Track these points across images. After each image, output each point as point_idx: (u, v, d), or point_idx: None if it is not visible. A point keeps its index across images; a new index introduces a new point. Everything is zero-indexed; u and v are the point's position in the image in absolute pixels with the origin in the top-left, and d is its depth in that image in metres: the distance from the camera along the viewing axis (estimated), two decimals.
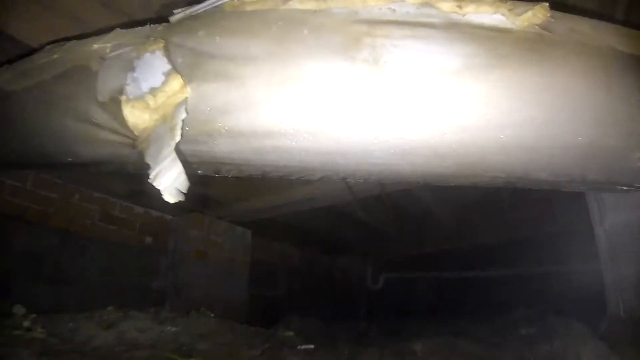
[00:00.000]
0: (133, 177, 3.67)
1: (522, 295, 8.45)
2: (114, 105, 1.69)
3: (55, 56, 1.89)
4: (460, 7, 1.56)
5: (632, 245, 2.54)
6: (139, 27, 1.84)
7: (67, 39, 1.97)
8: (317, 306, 5.97)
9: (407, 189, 4.15)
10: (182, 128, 1.55)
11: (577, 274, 6.91)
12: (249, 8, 1.64)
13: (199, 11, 1.71)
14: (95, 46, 1.81)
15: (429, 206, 4.97)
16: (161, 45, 1.68)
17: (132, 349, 2.55)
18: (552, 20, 1.60)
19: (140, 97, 1.65)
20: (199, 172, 1.99)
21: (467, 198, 5.76)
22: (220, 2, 1.68)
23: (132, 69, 1.68)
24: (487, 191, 5.48)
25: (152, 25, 1.82)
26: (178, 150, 1.54)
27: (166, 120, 1.60)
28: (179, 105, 1.58)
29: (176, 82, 1.61)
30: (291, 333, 3.51)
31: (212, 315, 3.48)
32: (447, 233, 6.58)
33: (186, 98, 1.59)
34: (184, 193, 1.52)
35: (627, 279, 2.50)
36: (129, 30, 1.83)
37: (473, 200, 5.88)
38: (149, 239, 4.25)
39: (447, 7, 1.56)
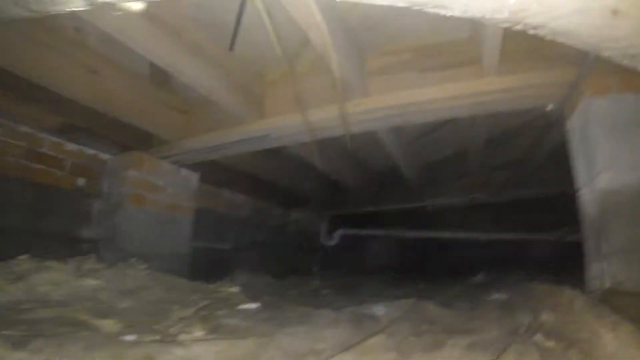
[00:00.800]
0: (66, 108, 3.21)
1: (483, 260, 8.42)
2: None
3: None
4: None
5: (629, 210, 2.25)
6: None
7: None
8: (269, 261, 5.60)
9: (372, 135, 3.76)
10: None
11: (544, 241, 6.86)
12: None
13: None
14: None
15: (393, 160, 4.60)
16: None
17: (38, 307, 2.09)
18: None
19: None
20: None
21: (434, 156, 5.45)
22: None
23: None
24: (456, 150, 5.18)
25: None
26: None
27: None
28: None
29: None
30: (236, 289, 3.09)
31: (145, 267, 3.02)
32: (410, 191, 6.31)
33: None
34: None
35: (617, 248, 2.20)
36: None
37: (439, 159, 5.57)
38: (81, 181, 3.68)
39: None
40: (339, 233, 7.10)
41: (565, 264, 6.49)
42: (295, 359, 1.44)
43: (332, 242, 7.12)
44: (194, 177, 4.28)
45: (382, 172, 6.16)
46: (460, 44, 2.88)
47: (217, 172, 4.63)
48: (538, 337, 1.62)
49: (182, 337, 1.68)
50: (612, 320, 1.42)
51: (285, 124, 3.20)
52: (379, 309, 2.23)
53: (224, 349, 1.45)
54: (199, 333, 1.78)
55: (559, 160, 5.33)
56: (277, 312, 2.26)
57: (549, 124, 3.28)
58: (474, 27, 2.63)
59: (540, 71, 2.70)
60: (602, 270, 2.26)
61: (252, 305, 2.38)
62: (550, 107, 2.92)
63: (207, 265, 4.51)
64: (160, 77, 3.42)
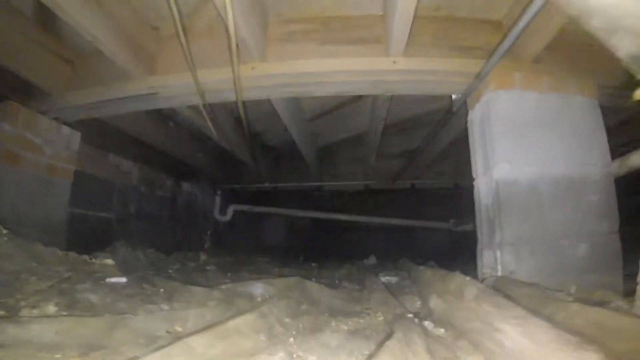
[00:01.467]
0: None
1: (377, 245, 8.71)
2: None
3: None
4: None
5: (521, 202, 2.36)
6: None
7: None
8: (156, 234, 5.32)
9: (270, 109, 3.67)
10: None
11: (435, 229, 7.19)
12: None
13: None
14: None
15: (291, 137, 4.54)
16: None
17: None
18: None
19: None
20: None
21: (333, 137, 5.46)
22: None
23: None
24: (356, 134, 5.24)
25: None
26: None
27: None
28: None
29: None
30: (111, 262, 2.88)
31: (6, 232, 2.70)
32: (307, 172, 6.29)
33: None
34: None
35: (509, 238, 2.31)
36: None
37: (338, 141, 5.60)
38: None
39: None
40: (232, 208, 6.94)
41: (455, 253, 6.95)
42: (145, 340, 1.31)
43: (226, 218, 6.95)
44: (75, 137, 3.89)
45: (280, 149, 6.09)
46: (372, 20, 2.83)
47: (102, 134, 4.27)
48: (427, 324, 1.60)
49: (25, 312, 1.48)
50: (516, 313, 1.34)
51: (175, 82, 2.96)
52: (257, 288, 2.12)
53: (67, 328, 1.27)
54: (51, 308, 1.59)
55: (454, 154, 5.67)
56: (146, 287, 2.09)
57: (449, 116, 3.35)
58: (388, 3, 2.58)
59: (447, 59, 2.72)
60: (494, 259, 2.34)
61: (121, 280, 2.19)
62: (454, 96, 2.96)
63: (87, 234, 4.15)
64: (45, 19, 3.07)
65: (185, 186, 6.14)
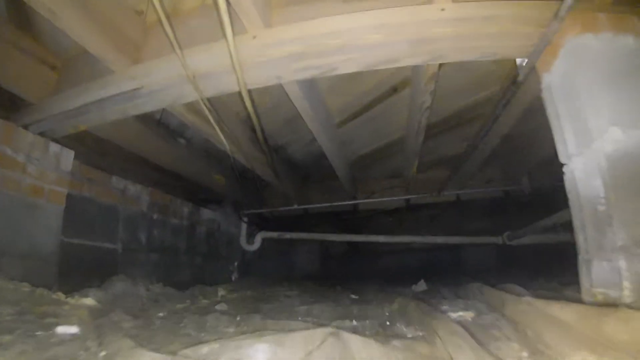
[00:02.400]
0: None
1: (421, 266, 7.93)
2: None
3: None
4: None
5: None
6: None
7: None
8: (172, 266, 4.70)
9: (289, 109, 3.04)
10: None
11: (482, 245, 6.34)
12: None
13: None
14: None
15: (318, 149, 3.89)
16: None
17: None
18: None
19: None
20: None
21: (365, 146, 4.78)
22: None
23: None
24: (391, 140, 4.56)
25: None
26: None
27: None
28: None
29: None
30: (90, 302, 2.26)
31: None
32: (339, 189, 5.63)
33: None
34: None
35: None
36: None
37: (371, 151, 4.91)
38: None
39: None
40: (261, 236, 6.29)
41: (504, 271, 6.10)
42: None
43: (254, 247, 6.29)
44: (67, 156, 3.35)
45: (307, 166, 5.44)
46: None
47: (103, 154, 3.73)
48: None
49: None
50: None
51: (160, 68, 2.36)
52: (257, 353, 1.29)
53: None
54: None
55: (505, 155, 4.91)
56: (90, 345, 1.43)
57: (510, 94, 2.62)
58: None
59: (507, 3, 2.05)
60: (614, 272, 1.61)
61: (70, 329, 1.55)
62: (519, 61, 2.24)
63: (85, 267, 3.56)
64: (21, 17, 2.60)
65: (206, 213, 5.54)
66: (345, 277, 7.79)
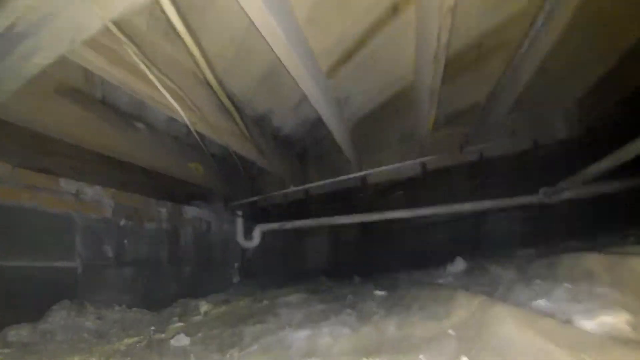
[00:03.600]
0: None
1: (440, 243, 7.15)
2: None
3: None
4: None
5: None
6: None
7: None
8: (152, 281, 3.89)
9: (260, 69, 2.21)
10: None
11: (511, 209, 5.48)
12: None
13: None
14: None
15: (307, 114, 3.06)
16: None
17: None
18: None
19: None
20: None
21: (367, 104, 3.92)
22: None
23: None
24: (403, 86, 3.68)
25: None
26: None
27: None
28: None
29: None
30: None
31: None
32: (342, 164, 4.82)
33: None
34: None
35: None
36: None
37: (375, 107, 4.03)
38: None
39: None
40: (259, 230, 5.47)
41: (541, 240, 5.24)
42: None
43: (253, 243, 5.47)
44: None
45: (300, 139, 4.61)
46: None
47: (46, 152, 2.92)
48: None
49: None
50: None
51: None
52: None
53: None
54: None
55: (536, 94, 4.03)
56: None
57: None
58: None
59: None
60: None
61: None
62: None
63: (30, 295, 2.76)
64: None
65: (190, 212, 4.70)
66: (362, 265, 7.03)
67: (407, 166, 4.86)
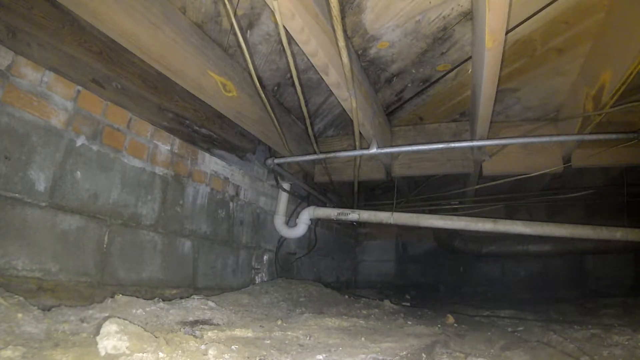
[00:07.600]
0: None
1: (524, 276, 5.62)
2: None
3: None
4: None
5: None
6: None
7: None
8: (129, 248, 2.32)
9: None
10: None
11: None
12: None
13: None
14: None
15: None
16: None
17: None
18: None
19: None
20: None
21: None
22: None
23: None
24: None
25: None
26: None
27: None
28: None
29: None
30: None
31: None
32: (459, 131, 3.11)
33: None
34: None
35: None
36: None
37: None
38: None
39: None
40: (308, 214, 3.78)
41: None
42: None
43: (296, 233, 3.80)
44: None
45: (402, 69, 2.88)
46: None
47: None
48: None
49: None
50: None
51: None
52: None
53: None
54: None
55: None
56: None
57: None
58: None
59: None
60: None
61: None
62: None
63: None
64: None
65: (211, 164, 3.03)
66: (429, 287, 5.46)
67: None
